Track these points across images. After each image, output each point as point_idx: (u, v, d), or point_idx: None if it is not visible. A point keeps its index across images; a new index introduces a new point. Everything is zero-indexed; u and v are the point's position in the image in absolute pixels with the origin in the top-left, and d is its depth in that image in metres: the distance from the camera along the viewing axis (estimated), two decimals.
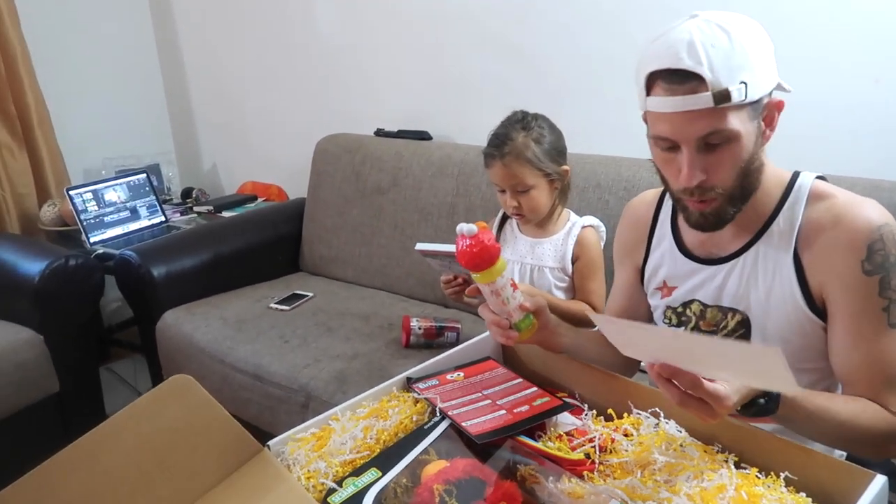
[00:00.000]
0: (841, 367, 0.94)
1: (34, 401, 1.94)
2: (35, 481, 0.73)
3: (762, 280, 0.97)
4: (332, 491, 0.79)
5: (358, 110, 2.48)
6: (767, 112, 0.90)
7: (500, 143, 1.44)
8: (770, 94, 0.89)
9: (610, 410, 0.90)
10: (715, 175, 0.88)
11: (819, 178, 0.97)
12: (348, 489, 0.79)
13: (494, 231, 1.60)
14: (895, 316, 0.90)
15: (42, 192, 2.53)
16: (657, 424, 0.85)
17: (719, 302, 1.02)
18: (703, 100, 0.83)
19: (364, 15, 2.36)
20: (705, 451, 0.80)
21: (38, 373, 1.94)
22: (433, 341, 1.71)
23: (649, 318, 1.16)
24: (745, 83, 0.83)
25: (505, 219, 1.62)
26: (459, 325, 1.73)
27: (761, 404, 0.80)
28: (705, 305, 1.04)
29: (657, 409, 0.86)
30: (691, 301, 1.06)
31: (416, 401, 0.96)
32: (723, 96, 0.82)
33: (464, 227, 0.88)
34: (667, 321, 1.10)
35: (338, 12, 2.43)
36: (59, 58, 2.62)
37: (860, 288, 0.90)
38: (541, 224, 1.54)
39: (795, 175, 0.97)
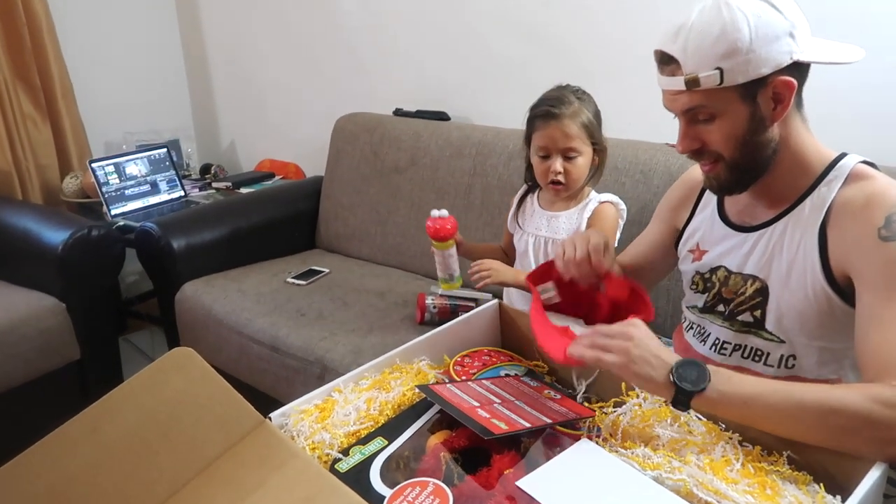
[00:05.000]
0: (859, 354, 0.89)
1: (55, 367, 2.00)
2: (39, 453, 0.74)
3: (786, 251, 0.99)
4: (337, 460, 0.80)
5: (377, 90, 2.49)
6: (774, 91, 0.93)
7: (559, 103, 1.43)
8: (773, 74, 0.91)
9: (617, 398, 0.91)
10: (710, 144, 0.96)
11: (867, 163, 0.98)
12: (355, 457, 0.80)
13: (514, 208, 1.62)
14: None
15: (64, 163, 2.57)
16: (664, 401, 0.87)
17: (743, 269, 1.05)
18: (678, 83, 0.93)
19: None
20: (709, 429, 0.82)
21: (60, 340, 1.99)
22: (447, 320, 1.72)
23: (657, 279, 1.30)
24: (720, 69, 0.89)
25: (525, 195, 1.62)
26: (474, 305, 1.75)
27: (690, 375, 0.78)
28: (730, 272, 1.07)
29: None
30: (718, 267, 1.09)
31: (419, 372, 0.97)
32: (693, 82, 0.91)
33: (435, 212, 1.46)
34: (693, 287, 1.14)
35: None
36: (82, 31, 2.64)
37: (877, 256, 0.88)
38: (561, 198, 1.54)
39: (841, 156, 0.99)
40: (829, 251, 0.95)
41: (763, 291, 1.02)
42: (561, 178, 1.46)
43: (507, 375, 0.99)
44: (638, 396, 0.89)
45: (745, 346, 1.06)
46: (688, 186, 1.21)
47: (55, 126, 2.52)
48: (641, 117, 1.86)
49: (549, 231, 1.53)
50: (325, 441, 0.83)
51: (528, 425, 0.82)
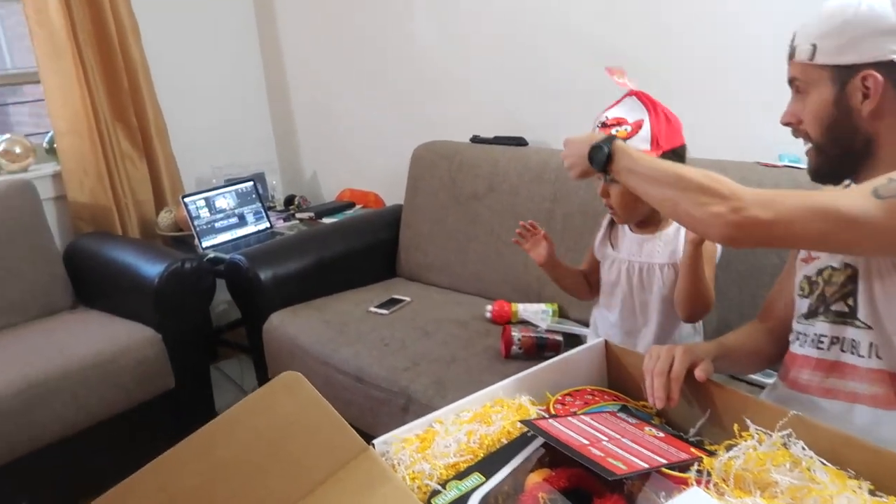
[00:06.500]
0: None
1: (151, 396, 2.07)
2: (155, 471, 0.78)
3: None
4: (435, 493, 0.79)
5: (453, 117, 2.50)
6: (863, 83, 0.92)
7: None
8: (865, 65, 0.92)
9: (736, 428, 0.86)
10: (803, 122, 1.00)
11: None
12: (452, 492, 0.79)
13: (602, 232, 1.52)
14: None
15: (159, 198, 2.70)
16: (783, 444, 0.81)
17: (844, 261, 1.01)
18: (788, 51, 1.00)
19: (460, 23, 2.39)
20: (836, 476, 0.76)
21: (157, 369, 2.07)
22: (533, 355, 1.69)
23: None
24: (814, 46, 0.94)
25: (613, 222, 1.52)
26: (561, 340, 1.71)
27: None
28: (833, 269, 1.02)
29: (783, 427, 0.82)
30: (825, 267, 1.04)
31: (520, 407, 0.95)
32: (791, 51, 0.99)
33: None
34: (800, 292, 1.09)
35: (434, 21, 2.47)
36: (174, 73, 2.78)
37: None
38: (649, 222, 1.43)
39: None
40: None
41: (854, 278, 0.98)
42: (607, 204, 1.39)
43: (604, 412, 0.95)
44: (752, 438, 0.83)
45: (843, 338, 1.00)
46: None
47: (151, 163, 2.66)
48: (728, 136, 1.79)
49: (642, 256, 1.42)
50: (425, 472, 0.83)
51: (645, 466, 0.78)
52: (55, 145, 2.46)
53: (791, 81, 1.01)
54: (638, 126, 1.31)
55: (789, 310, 1.14)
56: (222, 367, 2.68)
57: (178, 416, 2.15)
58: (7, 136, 2.50)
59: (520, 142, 2.24)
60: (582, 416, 0.91)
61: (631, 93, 1.35)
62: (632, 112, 1.34)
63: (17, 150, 2.45)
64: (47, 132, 2.55)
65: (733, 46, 1.80)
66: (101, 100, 2.47)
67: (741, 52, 1.77)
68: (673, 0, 1.89)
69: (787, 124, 1.04)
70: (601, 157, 1.08)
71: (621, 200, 1.36)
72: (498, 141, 2.29)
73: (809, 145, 1.02)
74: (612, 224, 1.51)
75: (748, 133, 1.66)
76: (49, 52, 2.35)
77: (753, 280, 1.55)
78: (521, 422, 0.88)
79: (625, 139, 1.30)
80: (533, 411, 0.95)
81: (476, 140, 2.37)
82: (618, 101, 1.37)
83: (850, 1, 0.92)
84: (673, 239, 1.39)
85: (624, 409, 0.98)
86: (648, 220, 1.42)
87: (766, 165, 1.65)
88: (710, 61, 1.84)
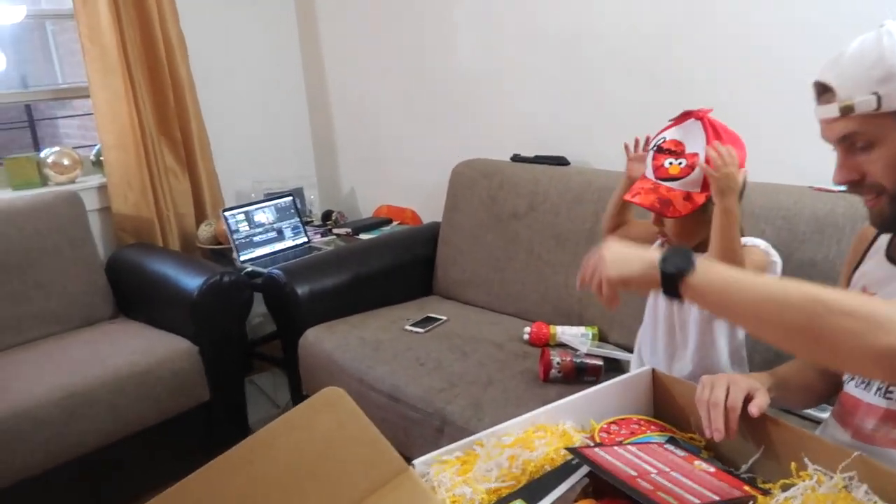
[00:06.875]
0: None
1: (186, 408, 2.08)
2: (192, 486, 0.77)
3: None
4: None
5: (494, 135, 2.49)
6: None
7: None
8: None
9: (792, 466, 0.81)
10: (871, 175, 0.90)
11: None
12: None
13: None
14: None
15: (199, 212, 2.73)
16: (844, 486, 0.76)
17: None
18: (831, 110, 0.89)
19: (502, 41, 2.38)
20: None
21: (192, 381, 2.08)
22: (572, 378, 1.65)
23: None
24: (877, 94, 0.85)
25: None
26: (601, 364, 1.67)
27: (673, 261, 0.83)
28: None
29: (845, 469, 0.77)
30: None
31: (563, 433, 0.92)
32: (848, 108, 0.87)
33: None
34: None
35: (477, 39, 2.47)
36: (217, 89, 2.83)
37: None
38: (700, 247, 1.37)
39: None
40: None
41: None
42: (660, 235, 1.35)
43: (650, 442, 0.91)
44: (811, 478, 0.78)
45: None
46: (861, 237, 1.11)
47: (193, 177, 2.70)
48: (781, 160, 1.74)
49: None
50: (466, 496, 0.81)
51: (697, 502, 0.74)
52: (102, 158, 2.52)
53: (844, 139, 0.90)
54: (691, 165, 1.25)
55: None
56: (256, 381, 2.68)
57: (211, 428, 2.15)
58: (57, 148, 2.57)
59: (561, 161, 2.21)
60: (628, 447, 0.87)
61: (693, 114, 1.29)
62: (690, 137, 1.27)
63: (66, 161, 2.51)
64: (94, 145, 2.61)
65: (785, 69, 1.75)
66: (148, 115, 2.51)
67: (793, 74, 1.72)
68: (719, 21, 1.85)
69: (847, 183, 0.93)
70: (678, 261, 0.83)
71: (680, 230, 1.33)
72: (539, 160, 2.26)
73: (870, 197, 0.92)
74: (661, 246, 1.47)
75: (800, 157, 1.60)
76: (100, 68, 2.40)
77: None
78: (567, 449, 0.85)
79: (676, 178, 1.25)
80: (577, 438, 0.91)
81: (516, 159, 2.34)
82: (677, 121, 1.31)
83: (884, 44, 0.85)
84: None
85: (672, 440, 0.94)
86: (700, 245, 1.36)
87: (820, 190, 1.59)
88: (760, 83, 1.79)
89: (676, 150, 1.27)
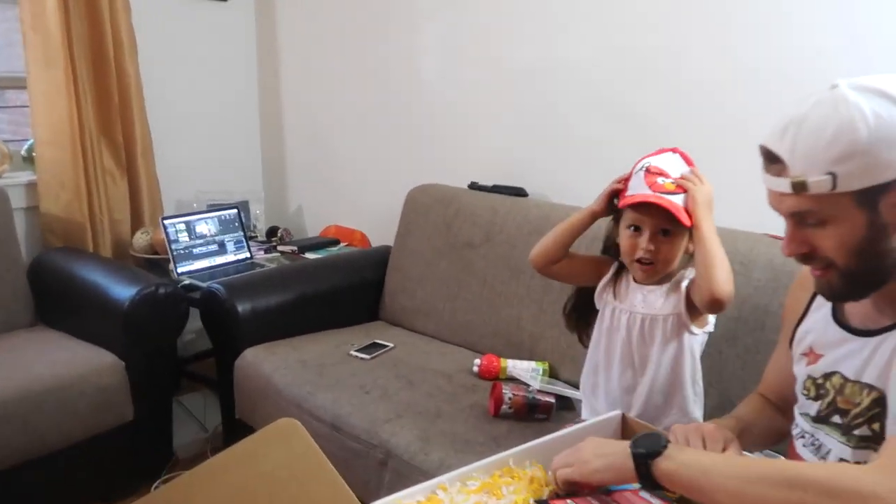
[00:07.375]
0: None
1: (107, 427, 1.92)
2: None
3: None
4: None
5: (452, 162, 2.46)
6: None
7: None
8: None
9: None
10: (821, 250, 0.88)
11: None
12: None
13: (606, 280, 1.45)
14: None
15: (136, 218, 2.59)
16: None
17: (860, 377, 0.93)
18: (784, 184, 0.86)
19: (466, 68, 2.37)
20: None
21: (116, 399, 1.93)
22: (523, 415, 1.61)
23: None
24: (833, 174, 0.81)
25: (619, 272, 1.45)
26: (553, 402, 1.63)
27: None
28: (846, 379, 0.95)
29: None
30: (833, 373, 0.98)
31: (532, 479, 0.87)
32: (801, 185, 0.84)
33: None
34: (805, 392, 1.03)
35: (440, 64, 2.45)
36: (166, 92, 2.71)
37: None
38: (665, 276, 1.39)
39: None
40: None
41: (881, 401, 0.90)
42: (652, 256, 1.32)
43: (625, 490, 0.87)
44: None
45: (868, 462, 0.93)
46: (801, 286, 1.10)
47: (132, 182, 2.55)
48: (738, 203, 1.76)
49: (645, 307, 1.36)
50: None
51: None
52: (34, 154, 2.36)
53: (796, 215, 0.88)
54: (680, 186, 1.30)
55: (788, 386, 1.09)
56: (184, 402, 2.53)
57: (134, 450, 1.99)
58: None
59: (519, 192, 2.19)
60: (601, 496, 0.83)
61: (668, 150, 1.34)
62: (670, 165, 1.32)
63: None
64: (26, 140, 2.44)
65: (739, 117, 1.79)
66: (89, 112, 2.37)
67: (746, 123, 1.75)
68: (686, 58, 1.87)
69: (796, 256, 0.91)
70: (649, 443, 0.86)
71: (672, 250, 1.33)
72: (497, 190, 2.24)
73: (818, 268, 0.91)
74: (617, 274, 1.46)
75: (757, 203, 1.63)
76: (40, 59, 2.26)
77: (760, 355, 1.49)
78: (536, 501, 0.80)
79: (673, 193, 1.27)
80: (547, 486, 0.86)
81: (474, 187, 2.31)
82: (660, 152, 1.35)
83: (841, 114, 0.81)
84: (676, 288, 1.36)
85: (644, 487, 0.90)
86: (666, 275, 1.38)
87: (775, 238, 1.61)
88: (717, 126, 1.82)
89: (663, 173, 1.31)
